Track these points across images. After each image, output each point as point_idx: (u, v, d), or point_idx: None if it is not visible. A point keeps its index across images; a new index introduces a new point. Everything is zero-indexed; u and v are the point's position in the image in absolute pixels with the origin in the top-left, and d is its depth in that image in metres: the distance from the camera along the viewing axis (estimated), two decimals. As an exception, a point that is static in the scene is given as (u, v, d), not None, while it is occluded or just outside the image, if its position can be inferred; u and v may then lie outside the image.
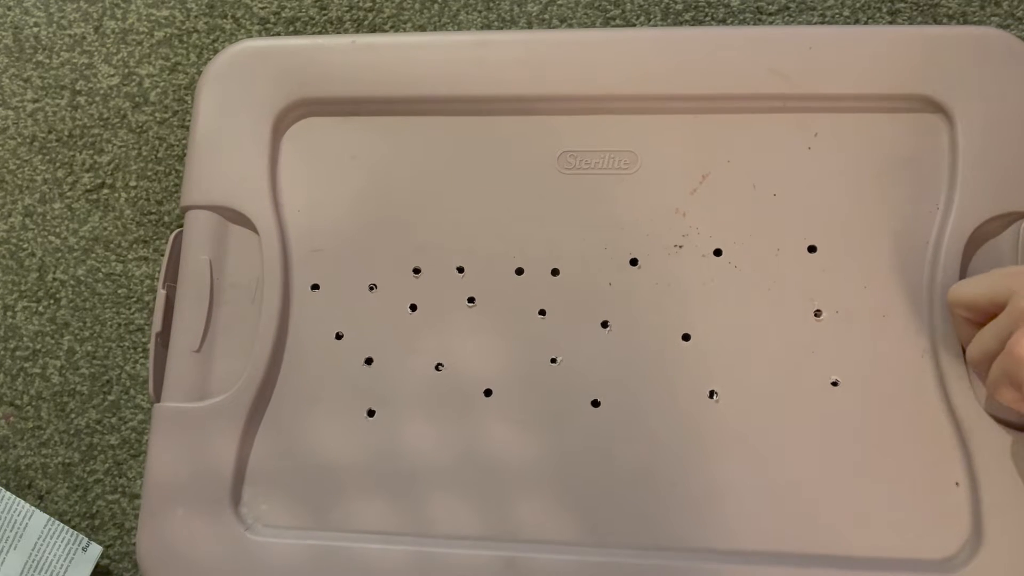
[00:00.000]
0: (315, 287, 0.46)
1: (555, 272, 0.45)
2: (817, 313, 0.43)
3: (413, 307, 0.46)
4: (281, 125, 0.48)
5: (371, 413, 0.44)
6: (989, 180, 0.42)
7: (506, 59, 0.47)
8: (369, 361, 0.45)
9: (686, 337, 0.44)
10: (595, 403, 0.43)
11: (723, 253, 0.44)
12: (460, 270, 0.46)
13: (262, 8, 0.56)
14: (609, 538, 0.42)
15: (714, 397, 0.43)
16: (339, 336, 0.46)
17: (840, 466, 0.41)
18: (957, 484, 0.40)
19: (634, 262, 0.45)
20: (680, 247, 0.45)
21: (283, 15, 0.56)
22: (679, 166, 0.45)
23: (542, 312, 0.45)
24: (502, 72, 0.46)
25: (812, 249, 0.44)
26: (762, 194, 0.44)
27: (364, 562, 0.42)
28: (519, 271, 0.45)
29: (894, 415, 0.41)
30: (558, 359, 0.44)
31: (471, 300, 0.45)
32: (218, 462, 0.44)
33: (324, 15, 0.55)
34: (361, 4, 0.55)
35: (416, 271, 0.46)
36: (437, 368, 0.45)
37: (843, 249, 0.43)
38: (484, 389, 0.44)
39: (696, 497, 0.42)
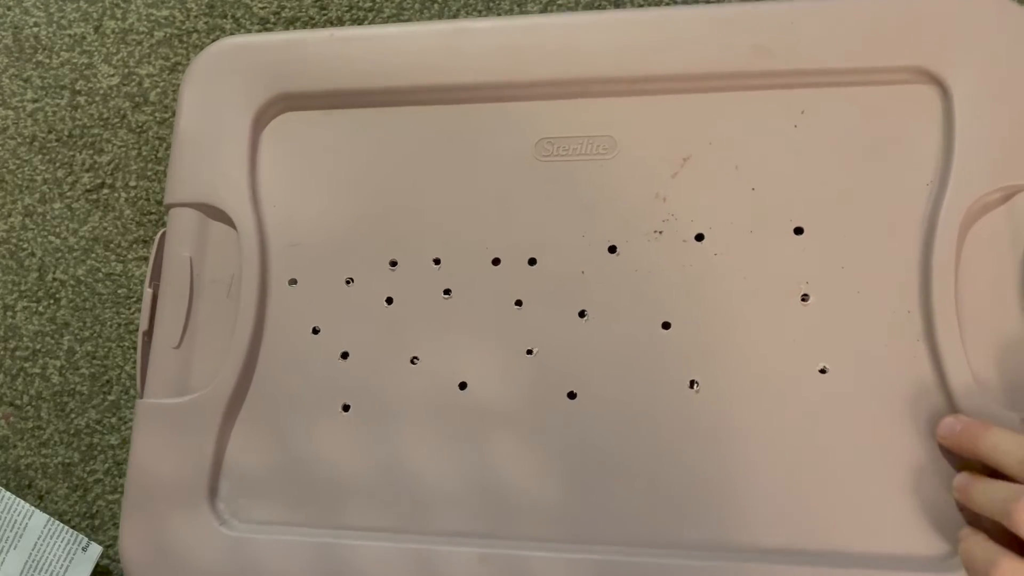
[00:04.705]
0: (293, 282, 0.46)
1: (532, 262, 0.44)
2: (804, 298, 0.41)
3: (389, 300, 0.45)
4: (261, 120, 0.48)
5: (346, 408, 0.44)
6: (986, 152, 0.39)
7: (483, 46, 0.46)
8: (345, 355, 0.44)
9: (666, 325, 0.42)
10: (571, 395, 0.42)
11: (705, 238, 0.42)
12: (436, 262, 0.45)
13: (262, 8, 0.56)
14: (585, 534, 0.40)
15: (695, 387, 0.41)
16: (316, 331, 0.45)
17: (828, 458, 0.39)
18: (955, 477, 0.37)
19: (612, 249, 0.43)
20: (660, 233, 0.43)
21: (283, 15, 0.56)
22: (659, 150, 0.44)
23: (518, 303, 0.44)
24: (479, 59, 0.46)
25: (798, 231, 0.41)
26: (746, 176, 0.42)
27: (338, 558, 0.41)
28: (495, 261, 0.44)
29: (886, 404, 0.39)
30: (534, 350, 0.43)
31: (447, 292, 0.44)
32: (196, 457, 0.44)
33: (324, 15, 0.56)
34: (361, 4, 0.55)
35: (393, 264, 0.45)
36: (412, 361, 0.44)
37: (831, 230, 0.41)
38: (459, 382, 0.43)
39: (675, 492, 0.40)
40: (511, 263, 0.44)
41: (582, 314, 0.43)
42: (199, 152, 0.48)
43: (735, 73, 0.43)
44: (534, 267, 0.44)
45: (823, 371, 0.40)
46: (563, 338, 0.43)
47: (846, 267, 0.40)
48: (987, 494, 0.35)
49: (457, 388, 0.43)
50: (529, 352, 0.43)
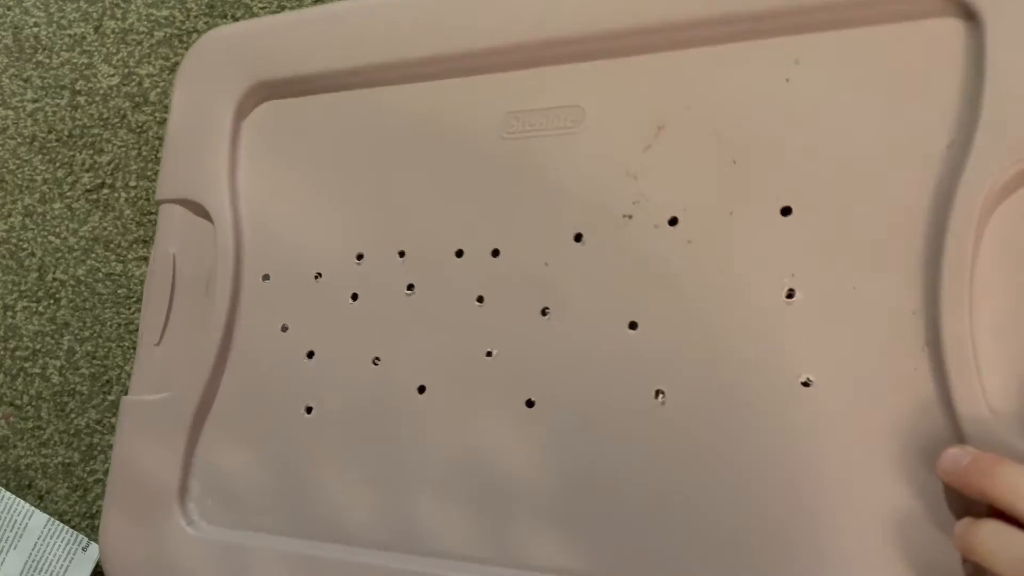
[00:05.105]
0: (266, 277, 0.44)
1: (495, 253, 0.40)
2: (789, 294, 0.34)
3: (355, 296, 0.42)
4: (242, 111, 0.46)
5: (309, 410, 0.42)
6: (1025, 103, 0.30)
7: (444, 14, 0.41)
8: (311, 355, 0.43)
9: (632, 325, 0.36)
10: (530, 403, 0.38)
11: (679, 222, 0.36)
12: (401, 254, 0.42)
13: (262, 8, 0.55)
14: (530, 560, 0.36)
15: (659, 397, 0.35)
16: (284, 328, 0.44)
17: (804, 491, 0.32)
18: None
19: (578, 238, 0.38)
20: (629, 217, 0.37)
21: None
22: (631, 119, 0.38)
23: (480, 299, 0.40)
24: (441, 29, 0.41)
25: (786, 211, 0.34)
26: (727, 145, 0.36)
27: (297, 565, 0.40)
28: (459, 253, 0.40)
29: (878, 427, 0.31)
30: (493, 352, 0.39)
31: (410, 287, 0.41)
32: (168, 455, 0.44)
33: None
34: None
35: (359, 257, 0.43)
36: (375, 362, 0.41)
37: (825, 209, 0.33)
38: (418, 386, 0.40)
39: (630, 519, 0.35)
40: (474, 255, 0.40)
41: (544, 312, 0.38)
42: (185, 147, 0.47)
43: (714, 20, 0.36)
44: (497, 259, 0.40)
45: (806, 384, 0.33)
46: (523, 339, 0.38)
47: (840, 256, 0.33)
48: (997, 548, 0.27)
49: (416, 392, 0.40)
50: (489, 354, 0.39)
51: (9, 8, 0.57)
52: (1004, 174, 0.30)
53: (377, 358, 0.41)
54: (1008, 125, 0.30)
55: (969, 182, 0.31)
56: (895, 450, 0.31)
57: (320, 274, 0.43)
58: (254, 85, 0.46)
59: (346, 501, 0.40)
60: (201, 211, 0.46)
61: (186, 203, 0.47)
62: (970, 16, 0.32)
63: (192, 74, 0.48)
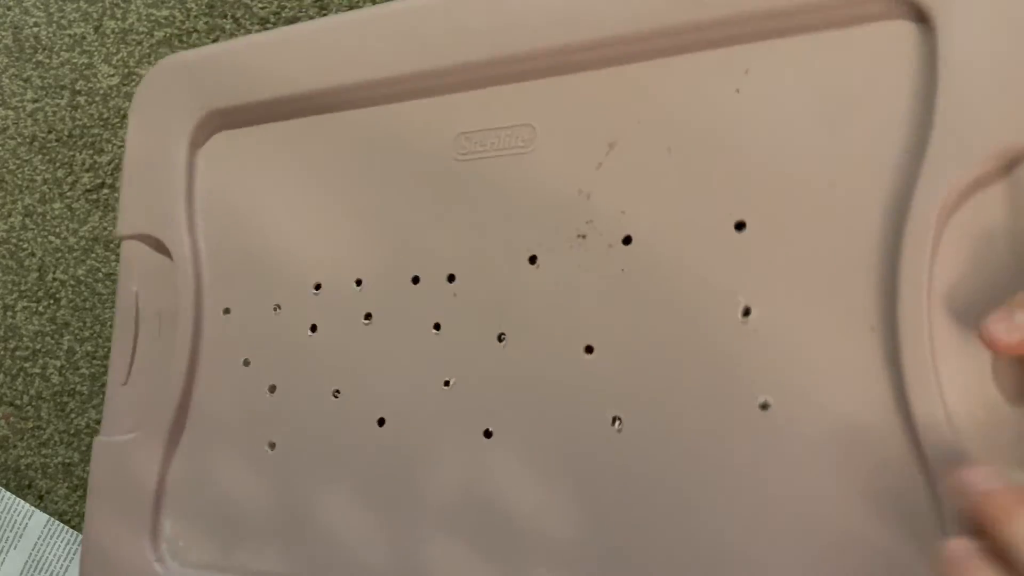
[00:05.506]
0: (227, 311, 0.44)
1: (451, 278, 0.39)
2: (745, 312, 0.32)
3: (314, 328, 0.41)
4: (196, 142, 0.45)
5: (272, 446, 0.41)
6: (980, 109, 0.29)
7: (393, 35, 0.40)
8: (273, 389, 0.42)
9: (588, 349, 0.35)
10: (487, 433, 0.37)
11: (632, 241, 0.35)
12: (358, 283, 0.41)
13: (262, 8, 0.54)
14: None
15: (616, 424, 0.34)
16: (247, 363, 0.43)
17: (768, 514, 0.31)
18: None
19: (533, 260, 0.37)
20: (583, 237, 0.36)
21: (283, 15, 0.54)
22: (582, 136, 0.36)
23: (437, 326, 0.39)
24: (390, 51, 0.40)
25: (740, 227, 0.33)
26: (679, 160, 0.34)
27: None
28: (415, 280, 0.39)
29: (839, 447, 0.30)
30: (451, 381, 0.38)
31: (368, 317, 0.40)
32: (139, 496, 0.43)
33: (324, 15, 0.53)
34: (362, 4, 0.52)
35: (317, 287, 0.42)
36: (335, 395, 0.40)
37: (778, 223, 0.32)
38: (378, 418, 0.39)
39: (588, 550, 0.33)
40: (430, 281, 0.39)
41: (500, 338, 0.37)
42: (142, 181, 0.46)
43: (661, 31, 0.34)
44: (453, 284, 0.38)
45: (764, 406, 0.31)
46: (480, 367, 0.37)
47: (795, 271, 0.31)
48: None
49: (376, 425, 0.39)
50: (447, 384, 0.38)
51: (9, 8, 0.56)
52: (960, 181, 0.29)
53: (337, 390, 0.40)
54: (962, 130, 0.29)
55: (924, 191, 0.29)
56: (855, 472, 0.29)
57: (279, 306, 0.42)
58: (207, 115, 0.45)
59: (309, 541, 0.39)
60: (160, 246, 0.45)
61: (145, 238, 0.46)
62: (921, 18, 0.30)
63: (145, 105, 0.47)
